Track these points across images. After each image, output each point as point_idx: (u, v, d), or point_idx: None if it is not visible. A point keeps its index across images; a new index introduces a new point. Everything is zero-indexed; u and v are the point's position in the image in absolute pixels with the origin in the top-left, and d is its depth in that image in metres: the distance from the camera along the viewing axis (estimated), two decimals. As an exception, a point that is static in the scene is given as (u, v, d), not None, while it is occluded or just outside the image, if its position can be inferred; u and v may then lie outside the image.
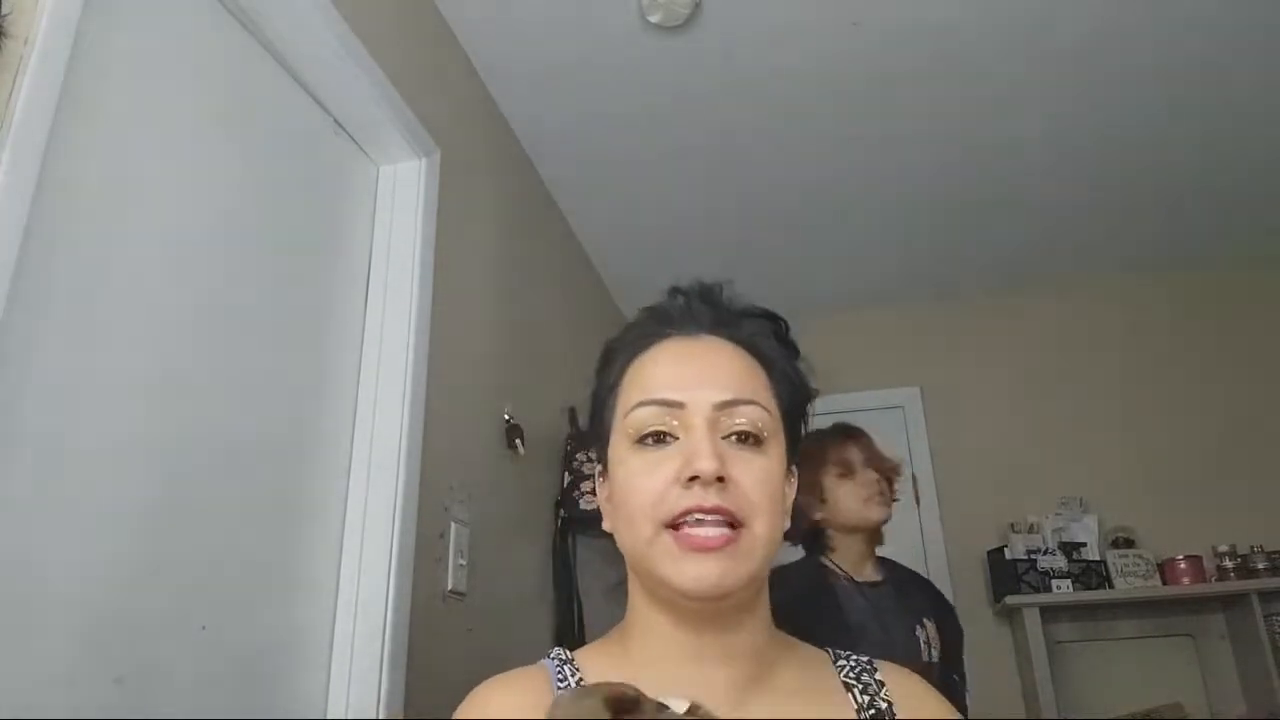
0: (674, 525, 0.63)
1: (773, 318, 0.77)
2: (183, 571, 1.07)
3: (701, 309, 0.74)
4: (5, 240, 0.83)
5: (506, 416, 2.01)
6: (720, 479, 0.63)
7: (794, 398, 0.74)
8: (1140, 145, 2.48)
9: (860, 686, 0.72)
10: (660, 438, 0.67)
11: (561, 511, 2.28)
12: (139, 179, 1.08)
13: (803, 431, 0.77)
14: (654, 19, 1.94)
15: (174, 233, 1.13)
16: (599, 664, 0.70)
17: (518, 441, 2.01)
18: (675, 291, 0.77)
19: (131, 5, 1.09)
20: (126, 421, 1.02)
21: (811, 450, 1.69)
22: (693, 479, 0.63)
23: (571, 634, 2.14)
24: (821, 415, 0.93)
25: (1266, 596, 2.69)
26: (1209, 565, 2.79)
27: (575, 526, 2.26)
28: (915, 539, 3.05)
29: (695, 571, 0.62)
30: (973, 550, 3.03)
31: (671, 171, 2.55)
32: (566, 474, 2.31)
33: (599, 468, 0.75)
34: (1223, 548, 2.78)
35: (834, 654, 0.75)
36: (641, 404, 0.68)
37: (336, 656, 1.35)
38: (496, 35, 2.00)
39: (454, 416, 1.73)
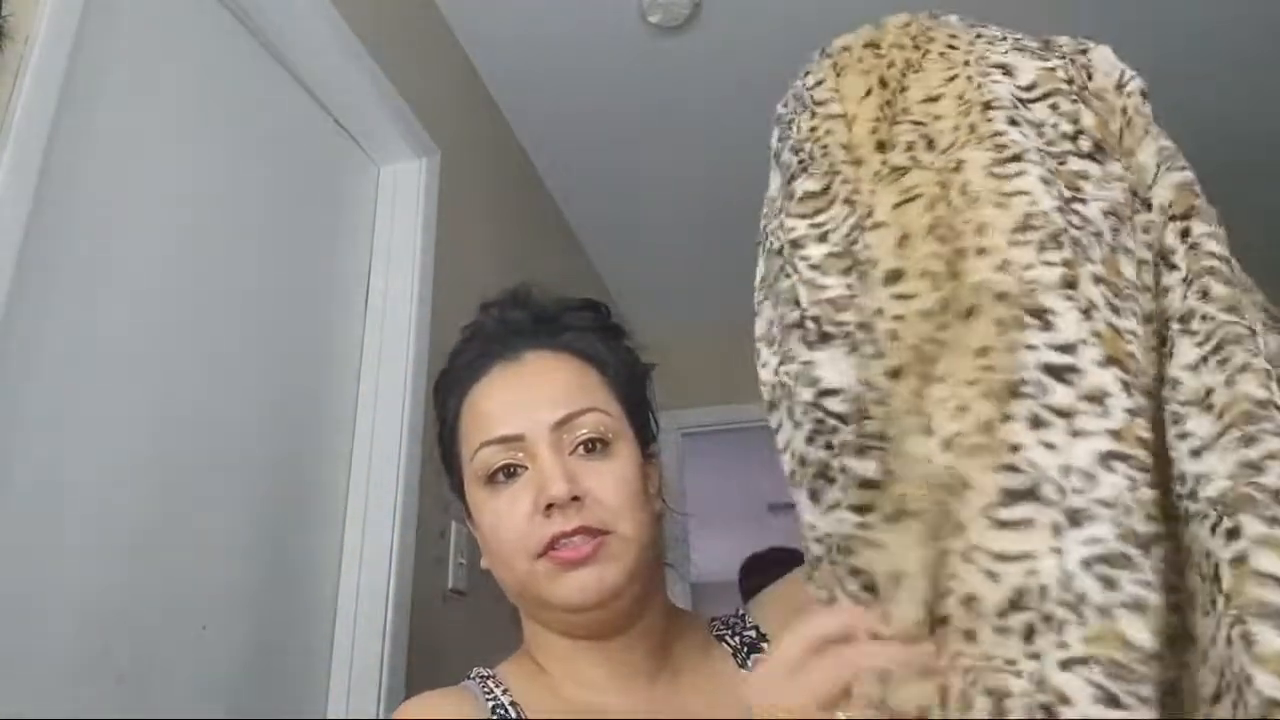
0: (545, 552, 0.65)
1: (591, 306, 0.78)
2: (183, 571, 1.07)
3: (517, 316, 0.76)
4: (6, 240, 0.83)
5: (506, 416, 2.00)
6: (576, 498, 0.65)
7: (631, 383, 0.75)
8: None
9: (728, 633, 0.75)
10: (510, 471, 0.69)
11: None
12: (139, 179, 1.08)
13: (651, 404, 0.78)
14: (654, 19, 1.95)
15: (174, 233, 1.13)
16: (520, 683, 0.71)
17: (518, 441, 2.00)
18: (486, 306, 0.78)
19: (131, 5, 1.09)
20: (127, 420, 1.02)
21: None
22: (549, 506, 0.65)
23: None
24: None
25: (1267, 596, 2.68)
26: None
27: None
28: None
29: (577, 584, 0.64)
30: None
31: (671, 171, 2.55)
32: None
33: (463, 509, 0.76)
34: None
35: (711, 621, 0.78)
36: (483, 445, 0.69)
37: (336, 656, 1.35)
38: (497, 35, 2.00)
39: (454, 416, 1.72)
